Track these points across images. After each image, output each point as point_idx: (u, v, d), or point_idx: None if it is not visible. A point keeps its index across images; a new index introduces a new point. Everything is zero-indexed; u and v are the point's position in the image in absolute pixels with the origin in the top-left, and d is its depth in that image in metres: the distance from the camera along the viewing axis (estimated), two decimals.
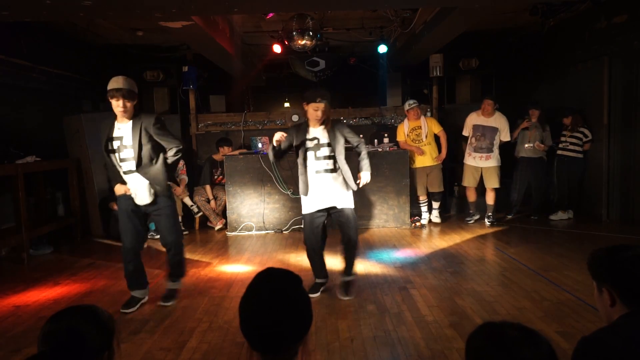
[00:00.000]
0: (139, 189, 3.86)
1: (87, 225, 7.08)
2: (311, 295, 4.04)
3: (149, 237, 6.63)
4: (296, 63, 7.94)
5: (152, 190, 3.87)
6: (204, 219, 7.34)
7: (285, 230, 6.90)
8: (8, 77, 6.16)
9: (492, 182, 6.72)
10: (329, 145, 4.05)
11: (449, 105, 8.21)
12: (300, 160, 4.14)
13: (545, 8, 6.65)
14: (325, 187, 4.08)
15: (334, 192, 4.09)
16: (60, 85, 7.27)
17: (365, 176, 4.21)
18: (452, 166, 7.61)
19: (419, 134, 6.82)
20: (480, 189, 6.97)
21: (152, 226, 6.76)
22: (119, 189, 3.86)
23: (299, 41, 6.60)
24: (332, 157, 4.06)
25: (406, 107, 6.85)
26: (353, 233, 4.14)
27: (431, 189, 6.97)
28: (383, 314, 3.71)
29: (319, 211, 4.12)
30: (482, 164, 6.75)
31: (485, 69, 7.95)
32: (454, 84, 8.41)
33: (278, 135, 4.04)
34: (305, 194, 4.12)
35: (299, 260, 5.35)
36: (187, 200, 7.14)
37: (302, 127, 4.14)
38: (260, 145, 7.26)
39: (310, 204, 4.12)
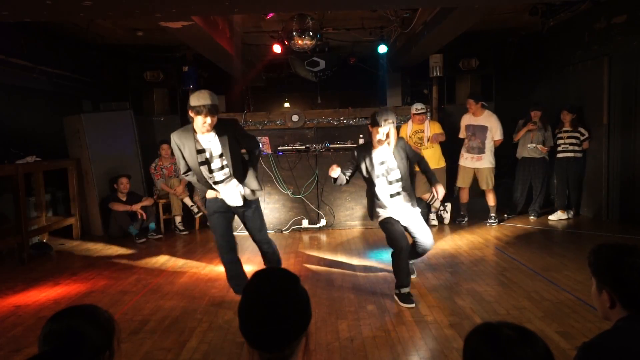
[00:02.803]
0: (231, 195, 3.88)
1: (87, 225, 7.09)
2: (408, 306, 3.84)
3: (149, 236, 6.66)
4: (296, 63, 7.94)
5: (244, 193, 3.89)
6: (204, 219, 7.32)
7: (285, 230, 6.90)
8: (8, 77, 6.17)
9: (484, 184, 6.74)
10: (397, 167, 3.98)
11: (448, 106, 8.20)
12: (371, 186, 4.03)
13: (545, 8, 6.65)
14: (402, 209, 4.03)
15: (407, 214, 4.04)
16: (60, 85, 7.28)
17: (441, 189, 4.05)
18: (451, 167, 7.60)
19: (421, 137, 6.80)
20: (477, 191, 6.97)
21: (152, 226, 6.77)
22: (210, 194, 3.87)
23: (299, 41, 6.60)
24: (400, 179, 3.99)
25: (413, 110, 6.79)
26: (430, 241, 4.10)
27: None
28: (383, 314, 3.71)
29: (397, 219, 4.02)
30: (474, 165, 6.77)
31: (485, 69, 7.95)
32: (454, 84, 8.41)
33: (334, 172, 3.93)
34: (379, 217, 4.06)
35: (299, 260, 5.36)
36: (187, 201, 7.13)
37: (368, 149, 4.03)
38: (260, 145, 7.23)
39: (387, 213, 4.03)
